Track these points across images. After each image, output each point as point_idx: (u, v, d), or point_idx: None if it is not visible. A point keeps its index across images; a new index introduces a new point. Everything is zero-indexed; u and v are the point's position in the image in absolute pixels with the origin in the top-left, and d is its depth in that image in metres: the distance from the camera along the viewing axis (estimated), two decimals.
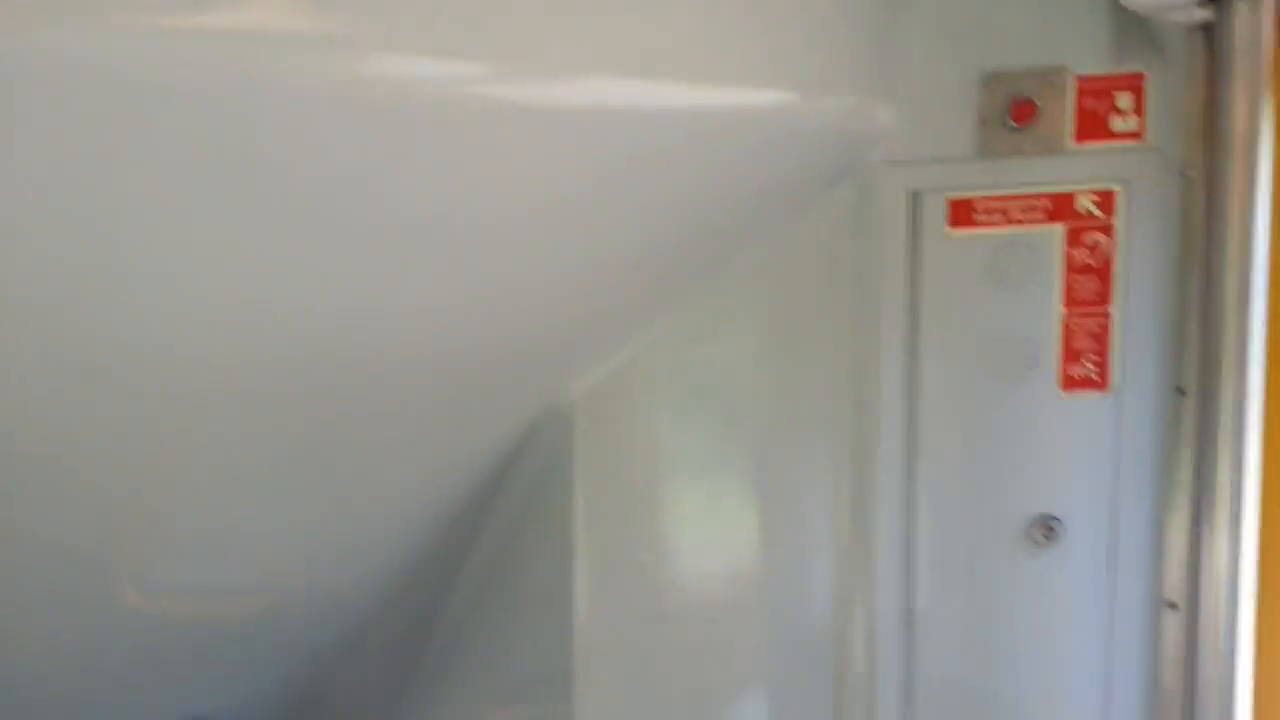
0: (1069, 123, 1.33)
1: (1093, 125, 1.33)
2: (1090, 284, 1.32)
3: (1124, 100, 1.32)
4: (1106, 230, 1.31)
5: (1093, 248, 1.31)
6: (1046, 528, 1.33)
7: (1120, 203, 1.31)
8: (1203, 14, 1.25)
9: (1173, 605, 1.34)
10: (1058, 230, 1.33)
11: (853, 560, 1.41)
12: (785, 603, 1.45)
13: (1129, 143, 1.32)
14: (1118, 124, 1.32)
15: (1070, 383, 1.33)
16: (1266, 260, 1.25)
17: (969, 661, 1.39)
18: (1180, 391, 1.32)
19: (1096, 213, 1.32)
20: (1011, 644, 1.38)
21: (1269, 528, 1.30)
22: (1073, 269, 1.32)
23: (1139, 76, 1.32)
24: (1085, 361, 1.32)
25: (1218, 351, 1.28)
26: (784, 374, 1.47)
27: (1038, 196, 1.34)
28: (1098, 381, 1.32)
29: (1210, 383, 1.29)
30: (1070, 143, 1.33)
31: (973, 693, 1.39)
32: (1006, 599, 1.37)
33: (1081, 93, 1.33)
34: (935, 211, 1.36)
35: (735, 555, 1.47)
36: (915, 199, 1.37)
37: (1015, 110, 1.33)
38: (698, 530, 1.48)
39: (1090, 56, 1.32)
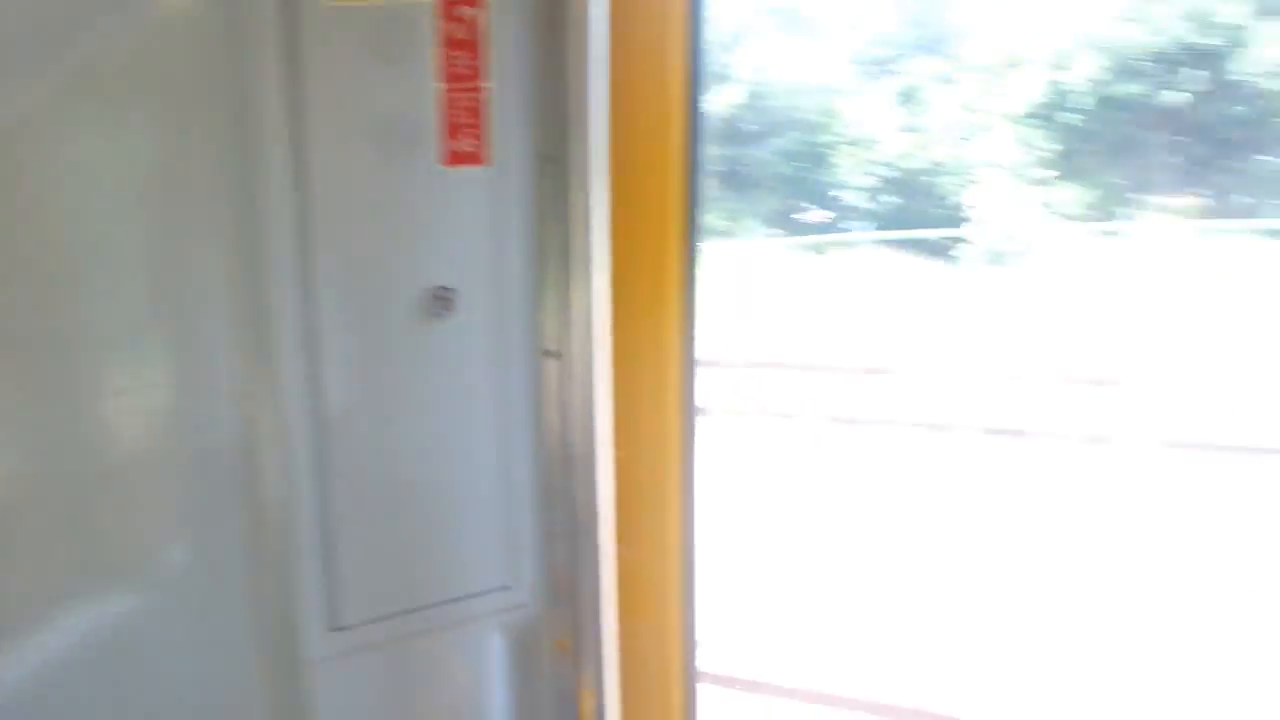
0: None
1: None
2: (465, 59, 1.35)
3: None
4: (475, 3, 1.34)
5: (465, 21, 1.34)
6: (442, 299, 1.40)
7: None
8: None
9: (552, 354, 1.51)
10: (430, 2, 1.32)
11: (255, 363, 1.33)
12: (188, 421, 1.32)
13: None
14: None
15: (453, 158, 1.37)
16: (606, 30, 1.40)
17: (382, 442, 1.43)
18: (545, 158, 1.44)
19: None
20: (421, 416, 1.44)
21: (621, 280, 1.52)
22: (448, 44, 1.34)
23: None
24: (464, 136, 1.37)
25: (568, 119, 1.42)
26: (161, 163, 1.28)
27: None
28: (476, 155, 1.39)
29: (566, 149, 1.43)
30: None
31: (388, 467, 1.44)
32: (412, 374, 1.42)
33: None
34: None
35: (124, 377, 1.28)
36: None
37: None
38: (75, 354, 1.25)
39: None
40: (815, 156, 14.11)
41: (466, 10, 1.34)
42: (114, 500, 1.28)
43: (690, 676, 1.79)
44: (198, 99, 1.24)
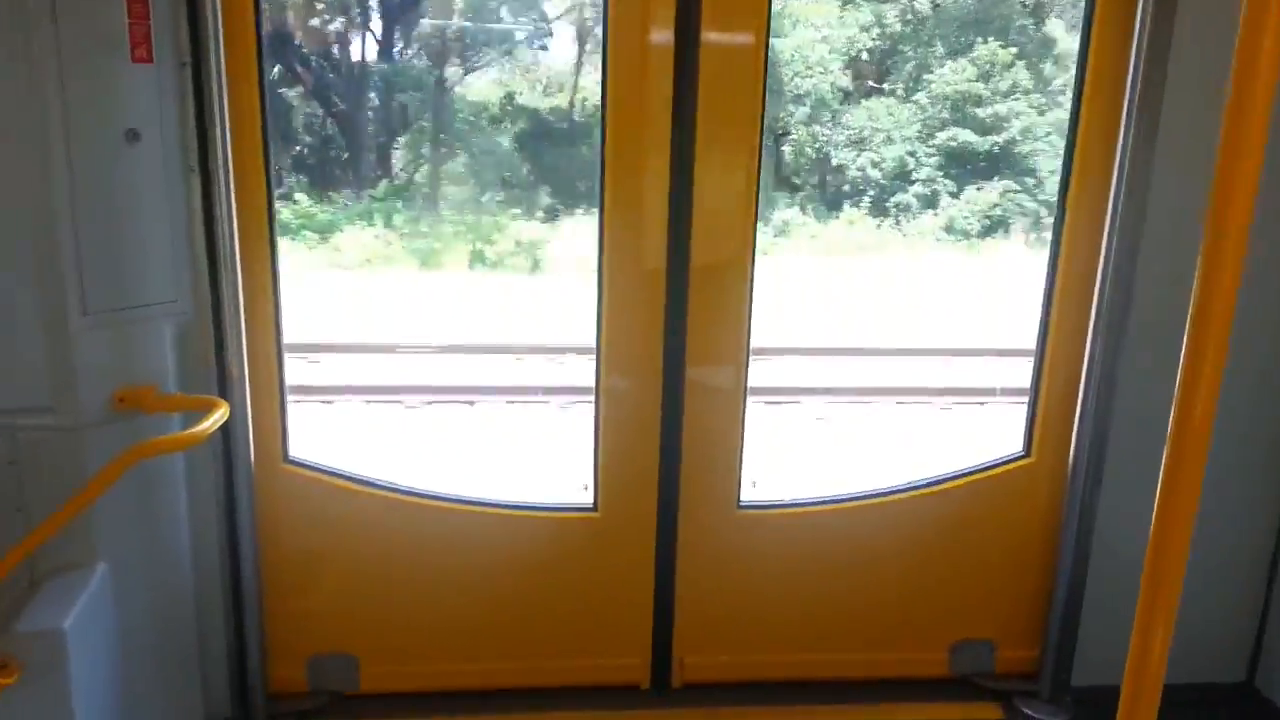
0: None
1: None
2: (139, 7, 2.59)
3: None
4: None
5: None
6: (133, 133, 2.63)
7: None
8: None
9: (193, 169, 2.80)
10: None
11: (45, 159, 2.50)
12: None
13: None
14: None
15: (135, 58, 2.61)
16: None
17: (110, 205, 2.64)
18: (183, 63, 2.73)
19: None
20: (128, 195, 2.67)
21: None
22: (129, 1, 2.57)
23: None
24: (140, 47, 2.61)
25: (196, 43, 2.72)
26: None
27: None
28: (147, 57, 2.63)
29: (196, 58, 2.73)
30: None
31: (113, 223, 2.66)
32: (124, 173, 2.64)
33: None
34: None
35: None
36: None
37: None
38: None
39: None
40: None
41: None
42: None
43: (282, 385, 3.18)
44: None
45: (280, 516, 3.24)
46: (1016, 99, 17.73)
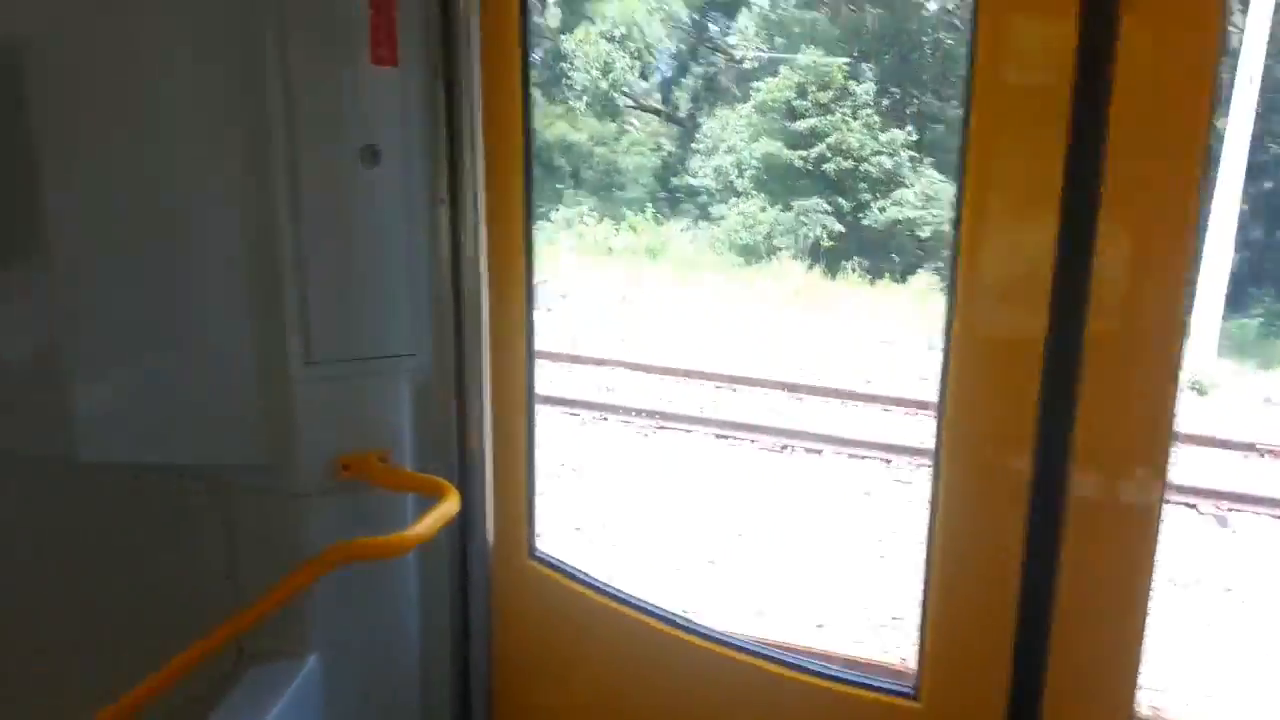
0: None
1: None
2: None
3: None
4: None
5: None
6: (372, 152, 2.17)
7: None
8: None
9: (442, 201, 2.30)
10: None
11: (265, 186, 2.11)
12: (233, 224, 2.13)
13: None
14: None
15: (376, 59, 2.14)
16: None
17: (338, 245, 2.20)
18: (435, 69, 2.23)
19: None
20: (361, 229, 2.22)
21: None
22: None
23: None
24: (383, 46, 2.14)
25: (453, 43, 2.21)
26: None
27: None
28: (391, 58, 2.16)
29: (452, 63, 2.22)
30: None
31: (342, 263, 2.21)
32: (357, 197, 2.19)
33: None
34: None
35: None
36: None
37: None
38: None
39: None
40: None
41: None
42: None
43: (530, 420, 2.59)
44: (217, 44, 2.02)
45: (521, 622, 2.67)
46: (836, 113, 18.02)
